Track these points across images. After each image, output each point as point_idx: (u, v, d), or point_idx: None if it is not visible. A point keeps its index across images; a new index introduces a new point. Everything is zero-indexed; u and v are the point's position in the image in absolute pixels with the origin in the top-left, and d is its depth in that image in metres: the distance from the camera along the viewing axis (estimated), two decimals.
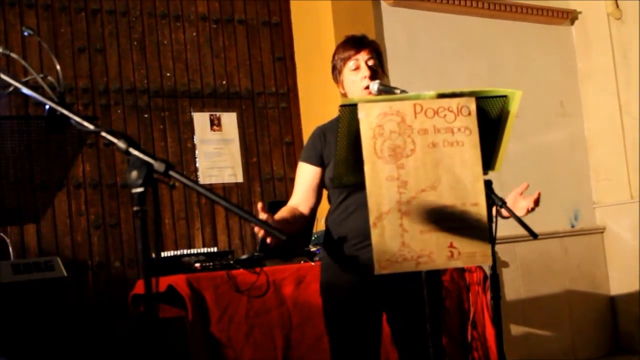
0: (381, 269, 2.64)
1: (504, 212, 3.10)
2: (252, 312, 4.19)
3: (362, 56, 3.29)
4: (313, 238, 4.78)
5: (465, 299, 5.05)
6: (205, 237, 5.67)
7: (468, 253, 2.67)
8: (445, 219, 2.67)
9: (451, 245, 2.67)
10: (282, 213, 3.25)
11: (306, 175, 3.33)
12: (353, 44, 3.33)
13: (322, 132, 3.33)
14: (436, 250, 2.66)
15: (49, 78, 3.18)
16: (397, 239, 2.64)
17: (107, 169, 5.37)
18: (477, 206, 2.69)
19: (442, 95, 2.76)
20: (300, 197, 3.33)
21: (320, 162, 3.30)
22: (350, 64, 3.29)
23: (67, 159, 4.55)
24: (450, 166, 2.70)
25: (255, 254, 4.51)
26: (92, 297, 5.22)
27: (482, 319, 5.05)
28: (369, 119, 2.69)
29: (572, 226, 7.18)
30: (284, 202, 5.39)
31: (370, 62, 3.29)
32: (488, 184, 2.86)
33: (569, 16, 7.43)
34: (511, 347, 6.16)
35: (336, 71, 3.35)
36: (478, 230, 2.68)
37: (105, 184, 5.36)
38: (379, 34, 6.17)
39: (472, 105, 2.75)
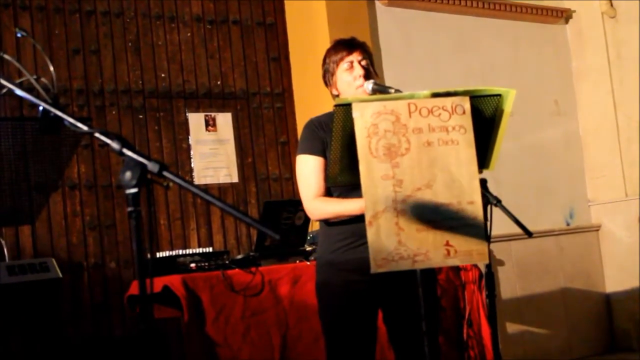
0: (377, 268, 2.64)
1: None
2: (248, 312, 4.19)
3: (355, 57, 3.30)
4: (308, 237, 4.78)
5: (460, 297, 5.05)
6: (200, 237, 5.67)
7: (464, 251, 2.68)
8: (442, 218, 2.67)
9: (447, 244, 2.67)
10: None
11: (318, 167, 3.23)
12: (345, 45, 3.34)
13: (319, 123, 3.31)
14: (432, 248, 2.66)
15: (43, 80, 3.17)
16: (393, 238, 2.64)
17: (102, 170, 5.37)
18: (473, 204, 2.70)
19: (436, 95, 2.77)
20: (323, 189, 3.22)
21: (324, 153, 3.24)
22: (344, 64, 3.29)
23: (62, 160, 4.54)
24: (446, 165, 2.70)
25: (251, 253, 4.51)
26: (88, 298, 5.22)
27: (477, 317, 5.05)
28: (363, 118, 2.70)
29: (568, 224, 7.19)
30: (279, 202, 5.42)
31: (363, 63, 3.30)
32: (483, 183, 2.87)
33: (563, 15, 7.44)
34: (507, 346, 6.17)
35: (328, 74, 3.35)
36: (474, 228, 2.69)
37: (100, 184, 5.35)
38: (374, 33, 6.18)
39: (467, 104, 2.75)
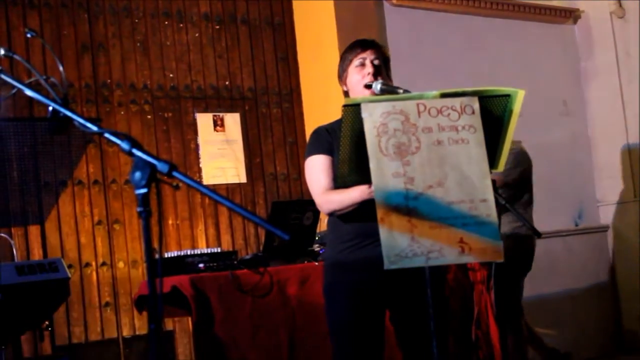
0: (390, 264, 2.63)
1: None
2: (257, 312, 4.18)
3: (369, 55, 3.29)
4: (317, 238, 4.78)
5: (469, 298, 5.04)
6: (208, 238, 5.67)
7: (479, 249, 2.66)
8: (455, 215, 2.66)
9: (462, 241, 2.66)
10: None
11: (325, 164, 3.23)
12: (361, 43, 3.34)
13: (326, 130, 3.31)
14: (446, 245, 2.65)
15: (52, 79, 3.18)
16: (406, 234, 2.63)
17: (110, 169, 5.38)
18: (486, 202, 2.69)
19: (445, 95, 2.76)
20: (332, 184, 3.19)
21: (331, 153, 3.24)
22: (356, 62, 3.29)
23: (71, 159, 4.55)
24: (457, 163, 2.69)
25: (259, 254, 4.50)
26: (96, 298, 5.22)
27: (486, 318, 5.04)
28: (372, 117, 2.69)
29: (576, 225, 7.16)
30: (287, 203, 5.41)
31: (376, 62, 3.28)
32: (491, 184, 2.85)
33: (572, 15, 7.42)
34: None
35: (341, 69, 3.35)
36: (488, 226, 2.67)
37: (108, 184, 5.37)
38: (382, 33, 6.17)
39: (476, 104, 2.75)
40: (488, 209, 2.68)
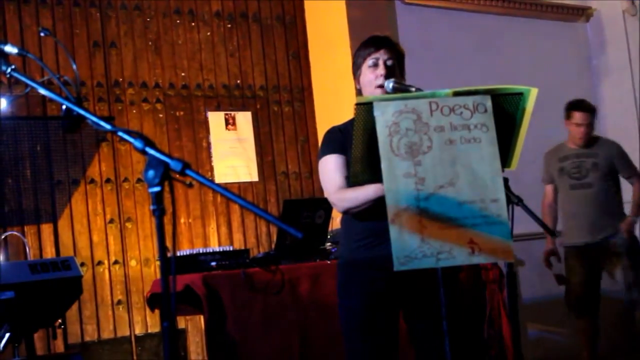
0: (400, 265, 2.63)
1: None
2: (269, 310, 4.18)
3: (382, 55, 3.27)
4: (328, 236, 4.78)
5: (481, 297, 5.03)
6: (220, 236, 5.68)
7: (489, 249, 2.66)
8: (465, 215, 2.66)
9: (471, 241, 2.65)
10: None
11: (339, 163, 3.23)
12: (374, 42, 3.32)
13: (339, 130, 3.31)
14: (456, 246, 2.64)
15: (65, 78, 3.19)
16: (417, 235, 2.62)
17: (122, 168, 5.39)
18: (497, 202, 2.68)
19: (457, 93, 2.76)
20: (345, 183, 3.19)
21: (344, 152, 3.23)
22: (370, 61, 3.28)
23: (84, 158, 4.57)
24: (468, 163, 2.69)
25: (271, 252, 4.50)
26: (109, 296, 5.24)
27: (498, 317, 5.03)
28: (384, 117, 2.69)
29: None
30: (299, 201, 5.41)
31: (389, 62, 3.27)
32: (504, 182, 2.85)
33: (584, 13, 7.40)
34: (527, 346, 6.14)
35: (355, 67, 3.34)
36: (499, 226, 2.67)
37: (120, 183, 5.38)
38: (394, 31, 6.16)
39: (488, 102, 2.74)
40: (499, 209, 2.68)
